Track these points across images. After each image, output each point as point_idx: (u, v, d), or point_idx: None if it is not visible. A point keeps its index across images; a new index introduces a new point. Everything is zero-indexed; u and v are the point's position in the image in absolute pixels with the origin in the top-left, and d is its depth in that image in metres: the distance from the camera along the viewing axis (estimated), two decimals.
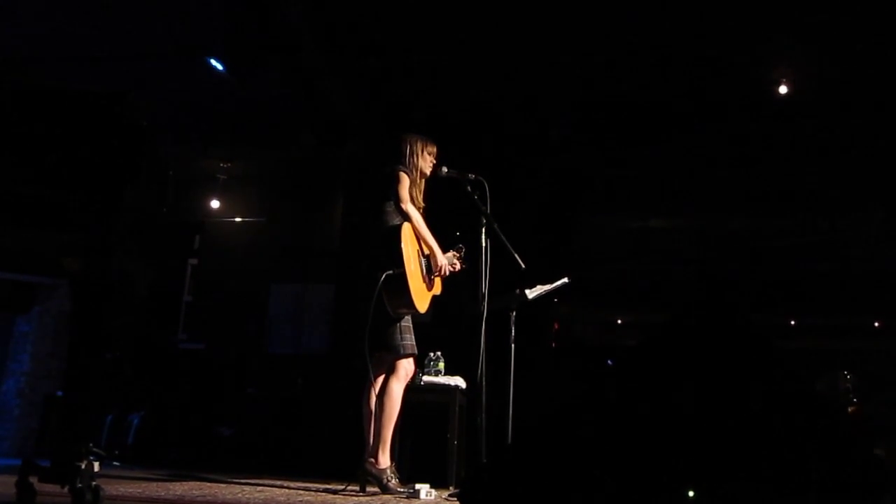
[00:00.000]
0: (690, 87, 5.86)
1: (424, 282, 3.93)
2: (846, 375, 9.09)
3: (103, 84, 2.50)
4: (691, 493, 1.81)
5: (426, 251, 3.99)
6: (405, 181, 3.92)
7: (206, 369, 7.26)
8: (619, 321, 14.73)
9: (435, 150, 4.10)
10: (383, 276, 3.70)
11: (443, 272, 4.01)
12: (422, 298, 3.86)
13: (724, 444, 1.91)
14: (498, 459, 2.41)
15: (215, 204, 7.91)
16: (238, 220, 8.06)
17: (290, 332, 7.52)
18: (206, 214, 8.00)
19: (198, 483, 4.05)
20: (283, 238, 7.76)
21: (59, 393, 6.33)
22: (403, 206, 3.89)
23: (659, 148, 6.79)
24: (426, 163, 4.06)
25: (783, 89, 5.66)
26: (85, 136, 2.41)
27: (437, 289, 4.08)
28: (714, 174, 7.39)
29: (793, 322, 13.59)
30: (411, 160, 4.02)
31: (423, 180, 4.09)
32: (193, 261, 8.16)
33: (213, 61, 5.57)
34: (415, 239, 3.92)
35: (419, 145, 4.06)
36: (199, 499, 3.18)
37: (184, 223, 8.06)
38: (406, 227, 3.85)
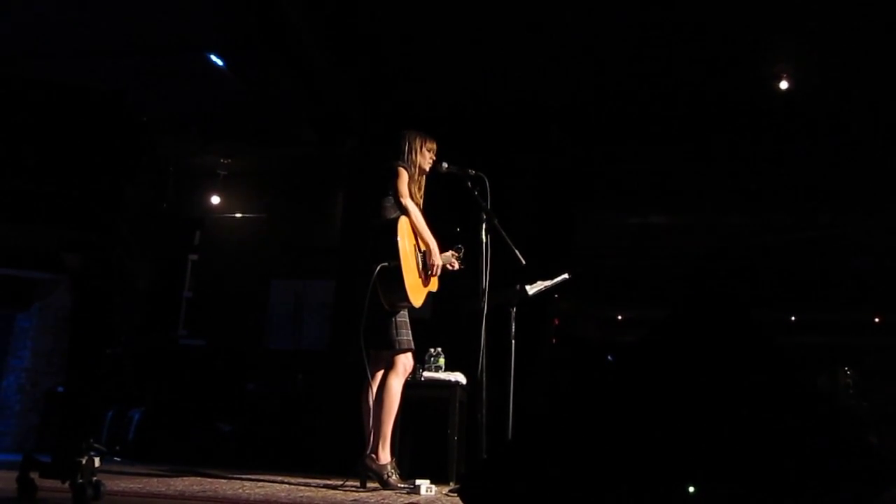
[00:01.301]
0: (691, 82, 5.85)
1: (420, 277, 3.94)
2: (846, 371, 9.11)
3: (103, 80, 2.50)
4: (692, 489, 1.81)
5: (423, 247, 3.99)
6: (404, 176, 3.92)
7: (206, 365, 7.26)
8: (620, 317, 14.74)
9: (434, 146, 4.11)
10: (378, 267, 3.71)
11: (436, 271, 4.01)
12: (417, 293, 3.86)
13: (725, 440, 1.91)
14: (498, 455, 2.41)
15: (216, 200, 7.90)
16: (238, 216, 8.05)
17: (290, 328, 7.52)
18: (206, 210, 7.99)
19: (198, 479, 4.06)
20: (284, 234, 7.76)
21: (60, 389, 6.34)
22: (402, 200, 3.89)
23: (660, 144, 6.78)
24: (425, 159, 4.06)
25: (784, 85, 5.65)
26: (85, 132, 2.41)
27: (434, 286, 4.09)
28: (715, 170, 7.38)
29: (793, 318, 13.60)
30: (410, 157, 4.03)
31: (423, 177, 4.09)
32: (194, 257, 8.16)
33: (213, 57, 5.56)
34: (412, 233, 3.93)
35: (418, 142, 4.06)
36: (199, 494, 3.19)
37: (184, 219, 8.06)
38: (403, 220, 3.86)
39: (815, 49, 5.43)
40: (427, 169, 4.08)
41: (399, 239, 3.77)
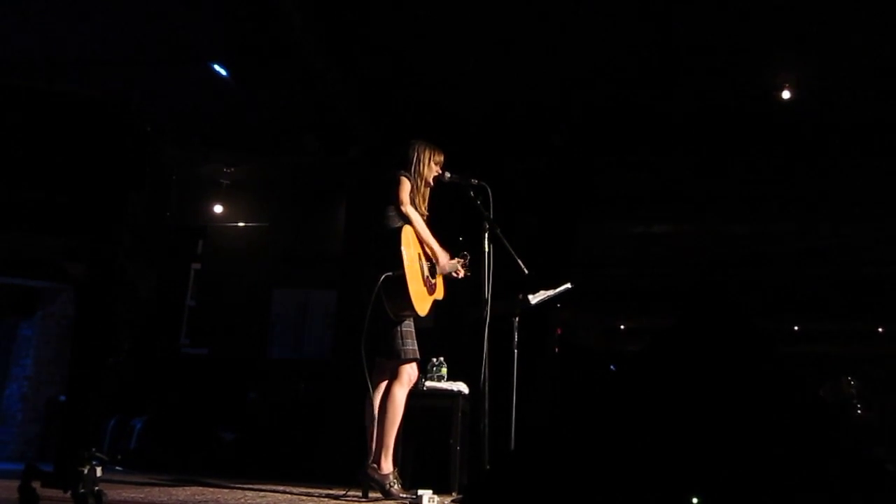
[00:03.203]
0: (695, 91, 5.86)
1: (426, 285, 3.92)
2: (850, 381, 9.08)
3: (107, 89, 2.50)
4: (695, 501, 1.80)
5: (428, 252, 3.98)
6: (406, 185, 3.90)
7: (208, 374, 7.26)
8: (622, 327, 14.73)
9: (442, 159, 4.07)
10: (382, 277, 3.70)
11: (444, 270, 4.00)
12: (422, 301, 3.85)
13: (727, 450, 1.90)
14: (501, 466, 2.40)
15: (218, 209, 7.91)
16: (241, 225, 8.06)
17: (293, 337, 7.52)
18: (209, 219, 8.00)
19: (200, 488, 4.05)
20: (286, 244, 7.77)
21: (62, 398, 6.33)
22: (403, 208, 3.87)
23: (662, 153, 6.78)
24: (431, 172, 4.03)
25: (787, 94, 5.65)
26: (89, 141, 2.42)
27: (440, 293, 4.07)
28: (718, 179, 7.38)
29: (796, 327, 13.58)
30: (416, 167, 4.00)
31: (428, 189, 4.07)
32: (196, 265, 8.16)
33: (216, 66, 5.58)
34: (416, 242, 3.91)
35: (427, 154, 4.03)
36: None
37: (187, 228, 8.07)
38: (406, 229, 3.85)
39: (818, 58, 5.44)
40: (433, 182, 4.06)
41: (403, 248, 3.76)
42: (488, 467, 3.66)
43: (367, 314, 3.71)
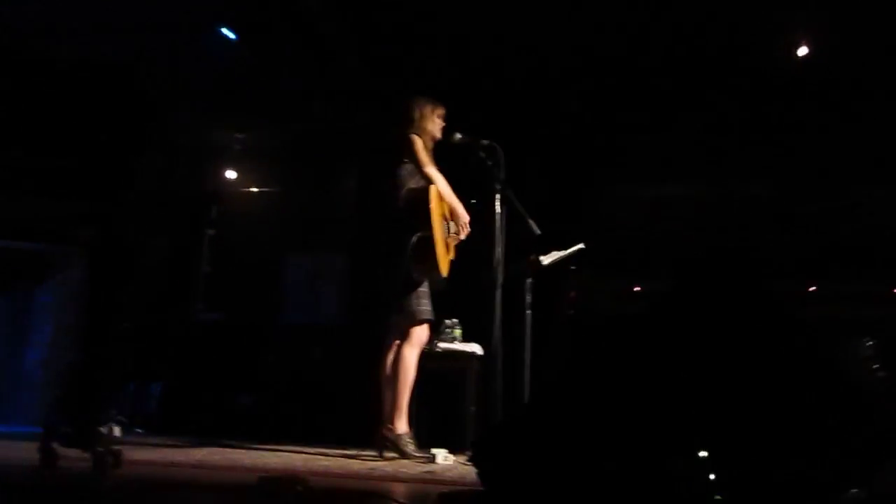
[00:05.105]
0: (710, 49, 5.76)
1: (445, 246, 3.92)
2: (868, 342, 9.01)
3: (116, 55, 2.50)
4: (703, 454, 1.80)
5: (448, 214, 3.96)
6: (419, 144, 3.86)
7: (224, 339, 7.32)
8: (637, 289, 14.66)
9: (444, 112, 4.03)
10: (414, 238, 3.67)
11: (467, 225, 3.97)
12: (444, 262, 3.85)
13: (739, 408, 1.90)
14: (511, 419, 2.42)
15: (231, 175, 7.92)
16: (255, 190, 8.07)
17: (307, 301, 7.56)
18: (222, 185, 8.01)
19: (217, 449, 4.10)
20: (300, 208, 7.77)
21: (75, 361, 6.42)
22: (426, 169, 3.82)
23: (676, 113, 6.69)
24: (436, 126, 3.99)
25: (804, 51, 5.54)
26: (97, 107, 2.42)
27: (452, 254, 4.07)
28: (734, 139, 7.28)
29: (813, 288, 13.47)
30: (421, 123, 3.96)
31: (433, 143, 4.02)
32: (211, 231, 8.17)
33: (225, 31, 5.54)
34: (439, 202, 3.88)
35: (428, 108, 3.99)
36: (219, 463, 3.23)
37: (201, 194, 8.07)
38: (434, 189, 3.82)
39: (836, 13, 5.32)
40: (438, 136, 4.01)
41: (433, 208, 3.74)
42: (499, 421, 3.68)
43: (394, 275, 3.69)
